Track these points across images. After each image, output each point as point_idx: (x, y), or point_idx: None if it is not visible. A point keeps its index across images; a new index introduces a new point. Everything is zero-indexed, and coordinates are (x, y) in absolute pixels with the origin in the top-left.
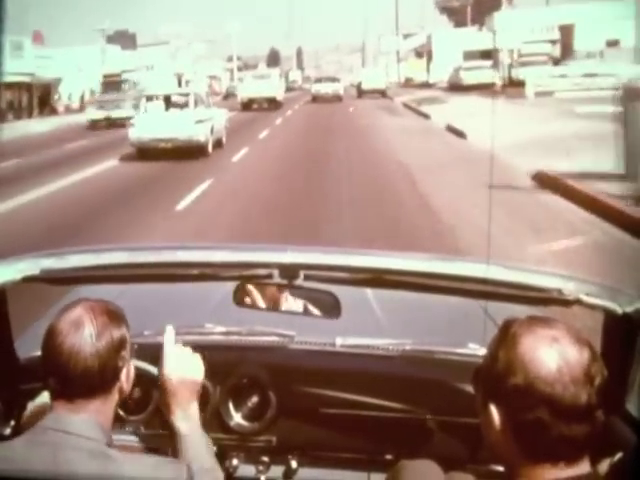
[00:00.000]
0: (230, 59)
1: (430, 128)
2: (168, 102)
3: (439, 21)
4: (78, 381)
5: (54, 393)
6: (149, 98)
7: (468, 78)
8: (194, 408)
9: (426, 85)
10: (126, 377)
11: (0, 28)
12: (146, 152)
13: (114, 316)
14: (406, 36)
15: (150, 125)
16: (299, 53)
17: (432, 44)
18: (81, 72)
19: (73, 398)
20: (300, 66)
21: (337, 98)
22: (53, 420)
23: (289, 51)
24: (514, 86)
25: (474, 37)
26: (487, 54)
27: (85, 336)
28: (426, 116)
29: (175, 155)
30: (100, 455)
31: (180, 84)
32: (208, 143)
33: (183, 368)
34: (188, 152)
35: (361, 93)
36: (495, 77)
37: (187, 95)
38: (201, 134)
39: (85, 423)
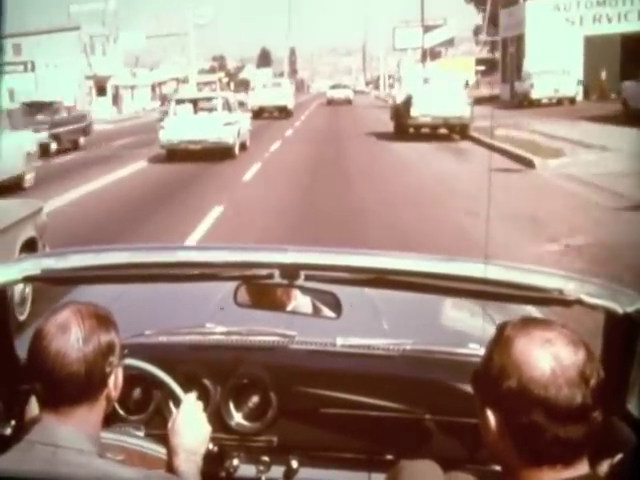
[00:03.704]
0: (215, 59)
1: None
2: (196, 105)
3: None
4: (63, 387)
5: (40, 400)
6: (178, 101)
7: None
8: (199, 454)
9: (517, 102)
10: (114, 384)
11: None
12: (175, 154)
13: (103, 320)
14: (427, 29)
15: (180, 127)
16: (292, 54)
17: (525, 24)
18: None
19: (59, 405)
20: (293, 69)
21: (347, 102)
22: (41, 433)
23: (282, 52)
24: None
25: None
26: None
27: (72, 340)
28: None
29: (204, 157)
30: (90, 468)
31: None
32: (235, 145)
33: (198, 419)
34: (216, 154)
35: (406, 127)
36: None
37: (215, 98)
38: (229, 136)
39: (73, 434)
